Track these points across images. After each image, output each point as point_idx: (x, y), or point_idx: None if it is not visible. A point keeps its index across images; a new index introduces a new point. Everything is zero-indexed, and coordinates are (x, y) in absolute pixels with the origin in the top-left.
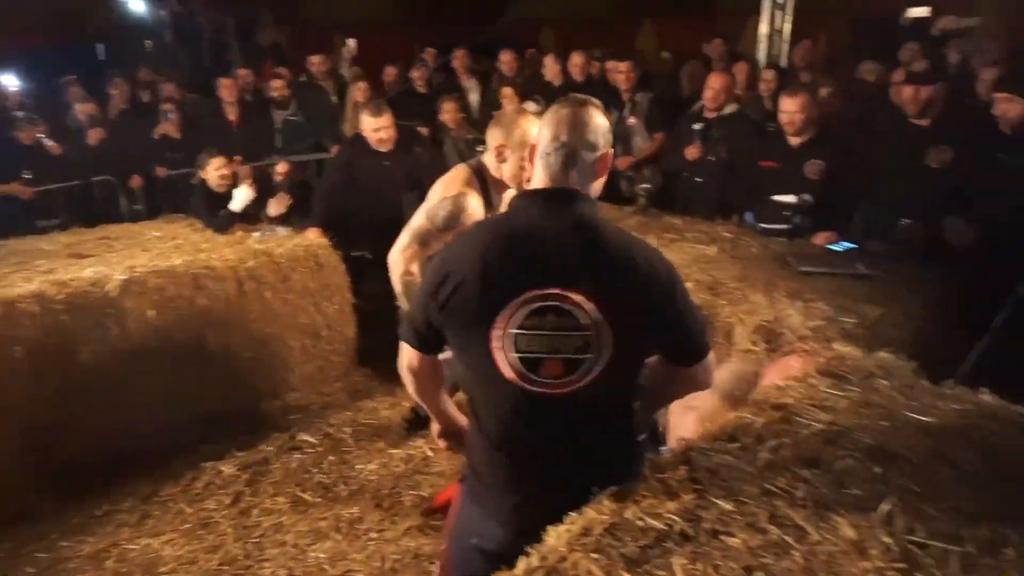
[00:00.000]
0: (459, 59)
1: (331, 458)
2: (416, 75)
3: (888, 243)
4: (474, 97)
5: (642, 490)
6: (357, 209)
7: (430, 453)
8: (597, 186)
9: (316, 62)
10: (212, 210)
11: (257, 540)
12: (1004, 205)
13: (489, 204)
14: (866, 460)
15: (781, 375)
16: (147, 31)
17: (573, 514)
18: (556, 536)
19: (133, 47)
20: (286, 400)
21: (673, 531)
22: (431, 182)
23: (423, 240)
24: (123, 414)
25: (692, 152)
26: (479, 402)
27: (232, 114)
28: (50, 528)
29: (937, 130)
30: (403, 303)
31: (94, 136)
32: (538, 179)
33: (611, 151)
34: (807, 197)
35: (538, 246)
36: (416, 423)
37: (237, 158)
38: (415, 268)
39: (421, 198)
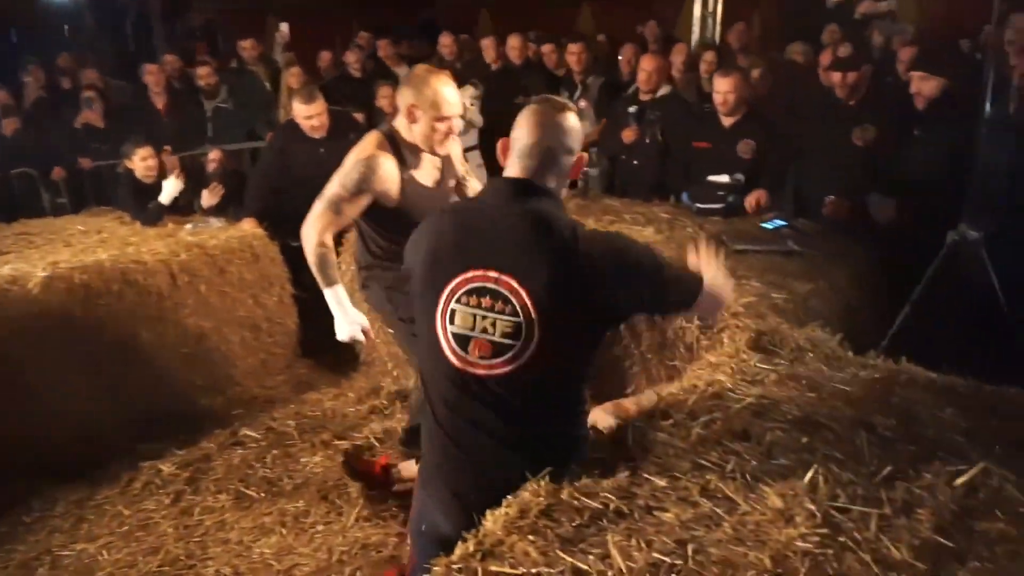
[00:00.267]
0: (383, 49)
1: (275, 452)
2: (351, 59)
3: (816, 220)
4: None
5: (578, 470)
6: (292, 198)
7: (375, 443)
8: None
9: (248, 47)
10: (140, 202)
11: (199, 539)
12: (920, 180)
13: (404, 165)
14: (793, 431)
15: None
16: (65, 13)
17: (509, 497)
18: (493, 519)
19: (50, 30)
20: (228, 395)
21: (608, 509)
22: None
23: (336, 207)
24: (50, 417)
25: (628, 135)
26: (427, 376)
27: (159, 102)
28: None
29: (862, 109)
30: (320, 279)
31: (8, 127)
32: (512, 170)
33: (585, 155)
34: (739, 177)
35: (490, 228)
36: (353, 471)
37: (166, 148)
38: (328, 239)
39: None
